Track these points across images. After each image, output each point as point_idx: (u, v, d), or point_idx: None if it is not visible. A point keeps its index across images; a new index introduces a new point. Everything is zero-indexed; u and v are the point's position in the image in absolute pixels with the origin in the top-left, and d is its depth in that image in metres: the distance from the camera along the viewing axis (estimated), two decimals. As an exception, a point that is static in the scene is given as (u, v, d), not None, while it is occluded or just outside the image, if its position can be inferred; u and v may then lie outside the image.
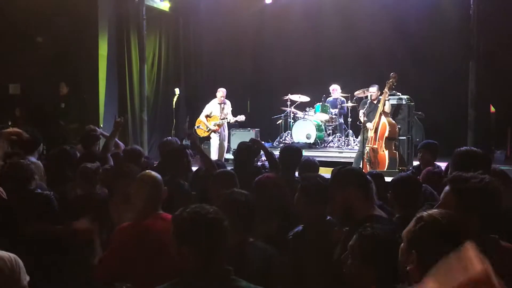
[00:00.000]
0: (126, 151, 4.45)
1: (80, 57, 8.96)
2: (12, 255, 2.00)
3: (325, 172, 6.70)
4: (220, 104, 9.21)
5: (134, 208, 2.77)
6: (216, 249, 1.86)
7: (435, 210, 1.81)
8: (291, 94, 10.55)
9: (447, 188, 2.23)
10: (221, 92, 9.20)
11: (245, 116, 9.26)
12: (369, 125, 7.72)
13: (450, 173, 2.99)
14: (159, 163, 4.90)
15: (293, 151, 4.35)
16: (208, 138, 9.35)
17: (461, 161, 2.83)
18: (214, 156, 8.82)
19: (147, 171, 2.95)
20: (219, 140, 9.21)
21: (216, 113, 9.20)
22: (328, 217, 2.87)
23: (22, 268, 2.01)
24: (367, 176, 2.76)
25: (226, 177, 3.48)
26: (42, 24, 8.79)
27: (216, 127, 9.13)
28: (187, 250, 1.84)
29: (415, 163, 7.19)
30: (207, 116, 9.25)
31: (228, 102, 9.27)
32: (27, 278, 2.03)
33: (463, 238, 1.63)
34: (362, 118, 7.91)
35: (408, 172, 5.25)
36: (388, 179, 5.56)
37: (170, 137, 5.30)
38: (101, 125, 8.94)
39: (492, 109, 10.75)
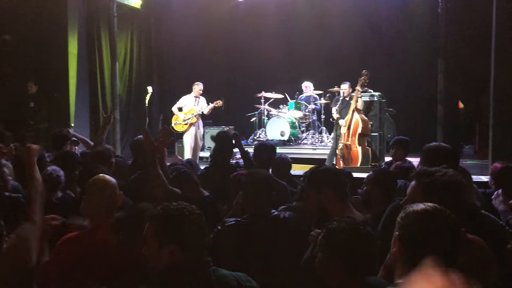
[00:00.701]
0: (96, 151, 4.35)
1: (49, 55, 8.77)
2: None
3: (299, 169, 6.79)
4: (195, 97, 9.11)
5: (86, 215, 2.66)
6: (198, 244, 1.87)
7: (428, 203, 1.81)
8: (264, 91, 10.58)
9: (413, 182, 2.29)
10: (199, 85, 9.08)
11: (220, 113, 9.23)
12: (342, 121, 7.81)
13: (419, 166, 3.08)
14: (132, 162, 4.86)
15: (267, 148, 4.38)
16: (183, 134, 9.23)
17: (430, 156, 2.91)
18: (188, 154, 8.76)
19: (100, 175, 2.81)
20: (194, 138, 9.10)
21: (191, 106, 9.10)
22: (273, 211, 2.91)
23: None
24: (343, 177, 2.78)
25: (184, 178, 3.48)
26: (9, 21, 8.57)
27: (195, 119, 9.00)
28: (171, 249, 1.82)
29: (387, 158, 7.34)
30: (180, 109, 9.12)
31: (202, 98, 9.20)
32: None
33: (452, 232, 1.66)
34: (334, 115, 8.00)
35: (381, 168, 5.34)
36: (362, 175, 5.68)
37: (141, 136, 5.23)
38: (72, 124, 8.79)
39: (461, 105, 11.04)
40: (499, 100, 7.09)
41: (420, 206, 1.73)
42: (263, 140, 10.01)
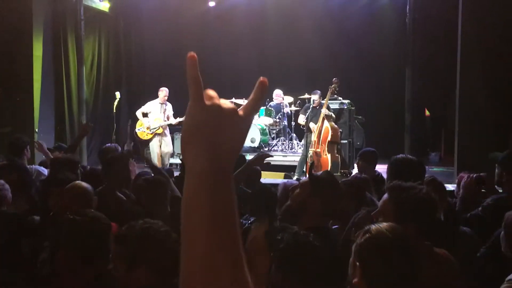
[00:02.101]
0: (63, 159, 4.18)
1: (13, 57, 8.47)
2: None
3: (270, 177, 6.77)
4: (161, 104, 8.98)
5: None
6: (169, 265, 1.76)
7: (384, 223, 1.82)
8: (235, 98, 10.53)
9: (386, 196, 2.29)
10: (165, 91, 8.95)
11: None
12: (312, 124, 7.86)
13: (387, 180, 3.08)
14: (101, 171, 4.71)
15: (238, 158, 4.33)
16: (149, 141, 9.08)
17: (397, 169, 2.93)
18: (156, 162, 8.61)
19: (77, 181, 2.90)
20: (159, 145, 8.95)
21: (157, 114, 8.94)
22: (244, 222, 2.87)
23: None
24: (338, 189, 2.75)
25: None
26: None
27: (161, 130, 8.89)
28: (140, 273, 1.72)
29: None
30: (144, 115, 8.97)
31: (169, 104, 9.07)
32: None
33: (407, 255, 1.67)
34: (302, 122, 8.06)
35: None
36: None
37: (110, 144, 5.11)
38: (36, 130, 8.54)
39: (427, 112, 11.30)
40: (464, 108, 7.28)
41: (379, 230, 1.74)
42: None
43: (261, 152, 4.45)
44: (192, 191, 0.73)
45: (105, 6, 10.56)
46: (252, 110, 0.81)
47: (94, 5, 10.16)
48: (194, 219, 0.72)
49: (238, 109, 0.79)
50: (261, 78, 0.82)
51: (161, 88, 8.98)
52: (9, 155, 4.74)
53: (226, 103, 0.79)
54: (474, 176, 3.47)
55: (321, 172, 2.98)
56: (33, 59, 8.63)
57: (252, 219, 2.98)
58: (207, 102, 0.77)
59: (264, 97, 0.84)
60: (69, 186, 2.87)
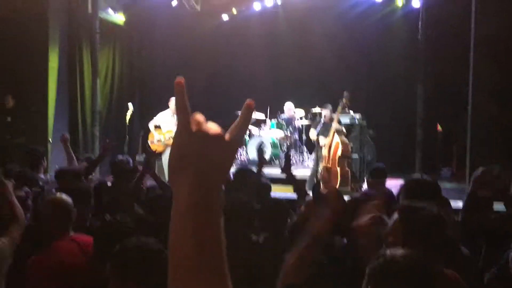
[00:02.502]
0: (64, 170, 4.23)
1: (28, 69, 8.63)
2: None
3: (280, 191, 6.77)
4: (173, 115, 9.01)
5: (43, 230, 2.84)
6: (161, 282, 1.79)
7: (400, 250, 1.81)
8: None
9: (396, 216, 2.29)
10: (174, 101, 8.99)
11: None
12: (322, 138, 7.86)
13: (401, 200, 3.08)
14: (112, 184, 4.75)
15: (244, 171, 4.34)
16: (162, 153, 9.13)
17: (411, 189, 2.92)
18: (167, 175, 8.65)
19: (58, 194, 3.01)
20: None
21: (169, 126, 8.96)
22: (253, 238, 2.88)
23: None
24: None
25: None
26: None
27: (171, 140, 8.92)
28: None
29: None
30: (157, 127, 8.99)
31: None
32: None
33: (420, 282, 1.67)
34: (312, 136, 8.08)
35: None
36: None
37: (122, 156, 5.16)
38: (50, 140, 8.66)
39: (439, 128, 11.23)
40: (476, 124, 7.25)
41: (394, 257, 1.73)
42: (244, 160, 10.01)
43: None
44: (178, 220, 0.74)
45: (120, 19, 10.73)
46: (238, 133, 0.81)
47: (109, 18, 10.33)
48: (180, 247, 0.74)
49: (225, 133, 0.80)
50: (248, 101, 0.83)
51: (171, 99, 8.97)
52: (25, 167, 4.81)
53: (213, 127, 0.79)
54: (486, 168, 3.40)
55: (326, 189, 3.01)
56: (48, 71, 8.80)
57: (262, 236, 2.99)
58: (194, 128, 0.78)
59: (250, 119, 0.84)
60: (49, 199, 2.97)
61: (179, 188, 0.75)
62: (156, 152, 8.88)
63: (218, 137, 0.78)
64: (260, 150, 4.46)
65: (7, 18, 8.33)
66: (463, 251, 2.69)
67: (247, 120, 0.83)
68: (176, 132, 0.80)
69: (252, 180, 4.27)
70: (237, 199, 3.02)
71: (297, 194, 4.07)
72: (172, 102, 8.93)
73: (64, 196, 2.91)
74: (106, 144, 4.87)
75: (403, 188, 3.10)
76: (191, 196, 0.74)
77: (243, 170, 4.55)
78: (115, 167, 4.70)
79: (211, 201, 0.75)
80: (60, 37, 9.10)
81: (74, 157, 5.54)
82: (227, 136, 0.79)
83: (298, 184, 4.14)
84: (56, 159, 8.00)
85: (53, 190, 3.83)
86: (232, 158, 0.80)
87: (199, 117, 0.80)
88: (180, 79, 0.82)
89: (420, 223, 2.10)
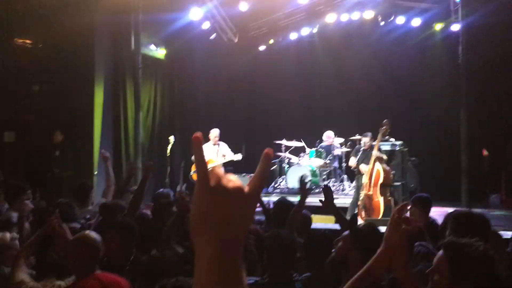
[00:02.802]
0: (107, 205, 4.31)
1: (76, 104, 9.03)
2: None
3: (321, 221, 6.68)
4: (214, 145, 9.16)
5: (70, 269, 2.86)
6: None
7: None
8: (285, 139, 10.62)
9: (441, 253, 2.23)
10: (214, 132, 9.16)
11: (240, 161, 9.27)
12: (363, 166, 7.74)
13: (447, 235, 2.98)
14: (153, 216, 4.84)
15: (286, 205, 4.32)
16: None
17: (458, 224, 2.83)
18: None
19: (85, 232, 3.03)
20: None
21: (211, 156, 9.13)
22: (294, 275, 2.85)
23: None
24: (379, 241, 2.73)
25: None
26: (39, 72, 8.93)
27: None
28: None
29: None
30: None
31: (222, 143, 9.25)
32: None
33: None
34: (353, 164, 7.98)
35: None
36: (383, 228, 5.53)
37: (163, 189, 5.26)
38: (95, 172, 8.93)
39: (485, 152, 10.85)
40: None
41: None
42: (284, 189, 9.98)
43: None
44: (202, 277, 0.75)
45: (161, 54, 11.11)
46: (258, 185, 0.80)
47: (151, 54, 10.71)
48: None
49: (245, 186, 0.79)
50: (266, 150, 0.83)
51: (211, 130, 9.19)
52: (75, 200, 4.99)
53: (232, 181, 0.78)
54: None
55: (363, 223, 2.96)
56: (94, 106, 9.17)
57: (303, 276, 2.95)
58: (213, 184, 0.77)
59: (269, 169, 0.84)
60: (76, 237, 2.96)
61: (202, 245, 0.75)
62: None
63: (237, 191, 0.77)
64: (303, 182, 4.41)
65: (56, 57, 8.78)
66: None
67: (266, 170, 0.82)
68: (196, 188, 0.79)
69: (293, 213, 4.22)
70: (278, 235, 3.01)
71: (340, 225, 4.00)
72: (212, 133, 9.13)
73: (92, 234, 2.92)
74: (147, 165, 4.83)
75: (449, 222, 3.00)
76: (213, 253, 0.74)
77: (283, 202, 4.53)
78: (157, 199, 4.78)
79: (233, 256, 0.75)
80: (105, 74, 9.50)
81: (113, 178, 5.54)
82: (246, 189, 0.78)
83: (340, 216, 4.04)
84: (100, 192, 8.23)
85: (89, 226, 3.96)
86: (252, 210, 0.79)
87: (218, 170, 0.80)
88: (198, 134, 0.80)
89: (466, 260, 2.03)
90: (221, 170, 0.80)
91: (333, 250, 3.21)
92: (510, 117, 7.19)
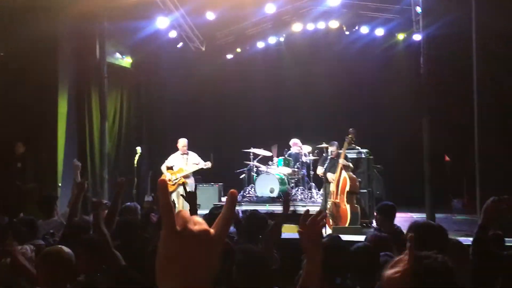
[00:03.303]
0: (73, 224, 4.19)
1: (38, 115, 8.80)
2: None
3: (290, 231, 6.70)
4: (183, 155, 9.09)
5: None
6: None
7: None
8: (253, 147, 10.65)
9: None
10: (182, 142, 9.06)
11: (208, 169, 9.22)
12: (330, 175, 7.85)
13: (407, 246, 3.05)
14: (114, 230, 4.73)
15: (257, 218, 4.30)
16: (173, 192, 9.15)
17: (417, 236, 2.90)
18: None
19: (53, 247, 2.99)
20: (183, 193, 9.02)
21: (180, 165, 9.06)
22: None
23: None
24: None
25: None
26: (-1, 81, 8.67)
27: (183, 179, 8.98)
28: None
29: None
30: (169, 168, 9.10)
31: (191, 153, 9.18)
32: None
33: None
34: (321, 173, 8.08)
35: (370, 233, 5.30)
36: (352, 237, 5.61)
37: (130, 203, 5.17)
38: (59, 184, 8.72)
39: (447, 158, 11.18)
40: (484, 156, 7.21)
41: None
42: (253, 200, 10.02)
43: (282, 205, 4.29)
44: None
45: (127, 62, 10.97)
46: (224, 227, 0.79)
47: (117, 62, 10.56)
48: None
49: (211, 228, 0.78)
50: (231, 191, 0.83)
51: (179, 140, 9.12)
52: (40, 212, 4.87)
53: (198, 223, 0.78)
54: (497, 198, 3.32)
55: (325, 237, 2.99)
56: (57, 116, 8.95)
57: None
58: (179, 228, 0.76)
59: (234, 210, 0.83)
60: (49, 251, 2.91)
61: None
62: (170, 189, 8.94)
63: (204, 234, 0.77)
64: (286, 196, 4.34)
65: (17, 67, 8.55)
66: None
67: (231, 211, 0.81)
68: (162, 234, 0.77)
69: (273, 228, 4.15)
70: (249, 249, 2.99)
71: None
72: (180, 143, 9.05)
73: (65, 249, 2.87)
74: (79, 183, 4.72)
75: (409, 232, 3.08)
76: None
77: (255, 215, 4.50)
78: (122, 214, 4.68)
79: None
80: (69, 83, 9.30)
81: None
82: (212, 231, 0.78)
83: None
84: (65, 203, 8.04)
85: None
86: (218, 253, 0.78)
87: (184, 213, 0.78)
88: (163, 178, 0.80)
89: (426, 273, 2.08)
90: (187, 213, 0.79)
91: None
92: (471, 124, 7.44)
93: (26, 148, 8.64)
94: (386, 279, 2.02)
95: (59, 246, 3.05)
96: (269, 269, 2.89)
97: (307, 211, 2.50)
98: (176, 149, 9.20)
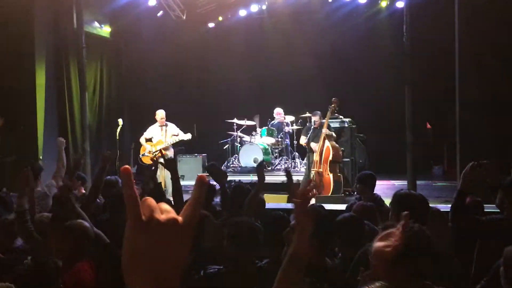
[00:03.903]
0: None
1: (16, 87, 8.59)
2: None
3: (274, 201, 6.77)
4: (161, 126, 9.00)
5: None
6: None
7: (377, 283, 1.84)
8: (236, 118, 10.61)
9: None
10: (160, 114, 8.92)
11: (192, 140, 9.16)
12: (314, 144, 7.89)
13: (390, 216, 3.11)
14: (104, 202, 4.72)
15: (243, 191, 4.30)
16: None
17: (400, 205, 2.95)
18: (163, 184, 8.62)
19: (76, 221, 3.15)
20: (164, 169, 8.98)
21: (159, 137, 8.98)
22: (258, 262, 2.89)
23: None
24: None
25: None
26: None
27: (163, 152, 8.92)
28: None
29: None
30: (148, 140, 9.02)
31: (170, 124, 9.08)
32: None
33: None
34: (302, 142, 8.13)
35: (352, 201, 5.37)
36: (335, 206, 5.69)
37: (110, 176, 5.12)
38: (40, 157, 8.61)
39: (429, 125, 11.32)
40: (465, 121, 7.32)
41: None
42: (236, 174, 10.04)
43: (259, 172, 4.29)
44: None
45: (106, 31, 10.70)
46: (193, 214, 0.75)
47: (95, 32, 10.30)
48: None
49: (178, 216, 0.74)
50: (199, 175, 0.78)
51: (156, 112, 8.98)
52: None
53: (165, 211, 0.73)
54: (476, 163, 3.36)
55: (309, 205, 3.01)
56: (36, 88, 8.75)
57: (264, 262, 2.98)
58: (145, 218, 0.72)
59: (204, 195, 0.77)
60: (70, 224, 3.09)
61: (136, 285, 0.71)
62: (148, 164, 8.90)
63: (172, 223, 0.72)
64: (260, 166, 4.37)
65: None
66: (455, 265, 2.71)
67: (200, 196, 0.76)
68: (127, 226, 0.72)
69: (250, 198, 4.18)
70: (239, 222, 3.02)
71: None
72: (158, 114, 8.93)
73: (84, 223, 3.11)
74: (106, 155, 4.65)
75: (392, 203, 3.13)
76: None
77: (240, 187, 4.51)
78: (104, 188, 4.64)
79: None
80: (46, 54, 9.07)
81: (65, 161, 5.78)
82: (181, 219, 0.73)
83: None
84: (47, 176, 7.96)
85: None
86: (188, 242, 0.74)
87: (150, 202, 0.73)
88: (126, 166, 0.74)
89: (404, 243, 2.11)
90: (153, 202, 0.74)
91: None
92: (452, 92, 7.50)
93: (5, 121, 8.46)
94: (375, 251, 2.06)
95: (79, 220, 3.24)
96: (259, 240, 2.92)
97: (297, 181, 2.51)
98: (155, 121, 9.11)
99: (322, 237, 2.68)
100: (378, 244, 2.01)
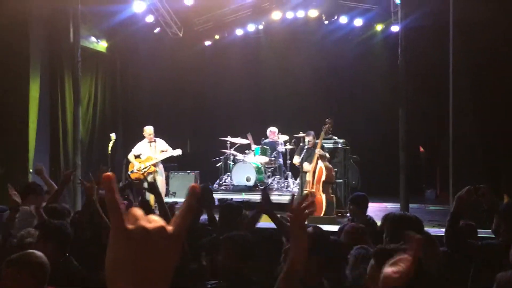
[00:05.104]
0: (49, 209, 4.07)
1: (9, 98, 8.53)
2: None
3: (264, 221, 6.67)
4: (150, 143, 8.97)
5: None
6: None
7: None
8: (230, 136, 10.58)
9: (372, 261, 2.27)
10: (148, 130, 8.91)
11: (185, 157, 9.13)
12: (306, 165, 7.87)
13: (385, 238, 3.06)
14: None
15: (233, 208, 4.27)
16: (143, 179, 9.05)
17: (393, 228, 2.91)
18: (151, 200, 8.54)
19: (29, 251, 2.68)
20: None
21: (148, 153, 8.95)
22: (253, 277, 2.85)
23: None
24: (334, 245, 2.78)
25: None
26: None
27: (153, 168, 8.87)
28: None
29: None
30: (137, 157, 8.99)
31: (159, 140, 9.05)
32: None
33: None
34: (296, 162, 8.10)
35: (344, 222, 5.32)
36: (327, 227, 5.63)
37: (102, 191, 5.05)
38: (31, 170, 8.50)
39: (422, 149, 11.35)
40: (458, 146, 7.34)
41: None
42: (229, 190, 9.98)
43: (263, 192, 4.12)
44: None
45: (102, 46, 10.71)
46: (183, 223, 0.72)
47: (91, 46, 10.30)
48: None
49: (167, 225, 0.71)
50: (192, 185, 0.76)
51: (144, 128, 8.99)
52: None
53: (152, 221, 0.70)
54: (471, 187, 3.32)
55: (310, 226, 2.97)
56: (29, 100, 8.69)
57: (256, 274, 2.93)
58: (130, 226, 0.68)
59: (194, 206, 0.74)
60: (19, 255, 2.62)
61: None
62: (138, 179, 8.83)
63: (159, 232, 0.69)
64: (266, 194, 4.21)
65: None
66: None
67: (191, 206, 0.73)
68: (111, 235, 0.69)
69: (251, 220, 4.11)
70: (238, 237, 2.97)
71: (280, 229, 3.90)
72: (146, 131, 8.94)
73: (37, 254, 2.66)
74: (66, 174, 4.59)
75: (386, 225, 3.08)
76: None
77: (230, 206, 4.48)
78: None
79: None
80: (41, 66, 9.03)
81: (54, 185, 5.42)
82: (169, 228, 0.70)
83: (276, 220, 3.90)
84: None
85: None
86: (176, 252, 0.70)
87: (136, 211, 0.70)
88: (109, 173, 0.70)
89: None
90: (139, 211, 0.70)
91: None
92: (445, 115, 7.54)
93: (-4, 133, 8.39)
94: (384, 277, 2.01)
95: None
96: (255, 254, 2.88)
97: (293, 195, 2.50)
98: (143, 137, 9.08)
99: (322, 257, 2.65)
100: (386, 269, 1.95)
